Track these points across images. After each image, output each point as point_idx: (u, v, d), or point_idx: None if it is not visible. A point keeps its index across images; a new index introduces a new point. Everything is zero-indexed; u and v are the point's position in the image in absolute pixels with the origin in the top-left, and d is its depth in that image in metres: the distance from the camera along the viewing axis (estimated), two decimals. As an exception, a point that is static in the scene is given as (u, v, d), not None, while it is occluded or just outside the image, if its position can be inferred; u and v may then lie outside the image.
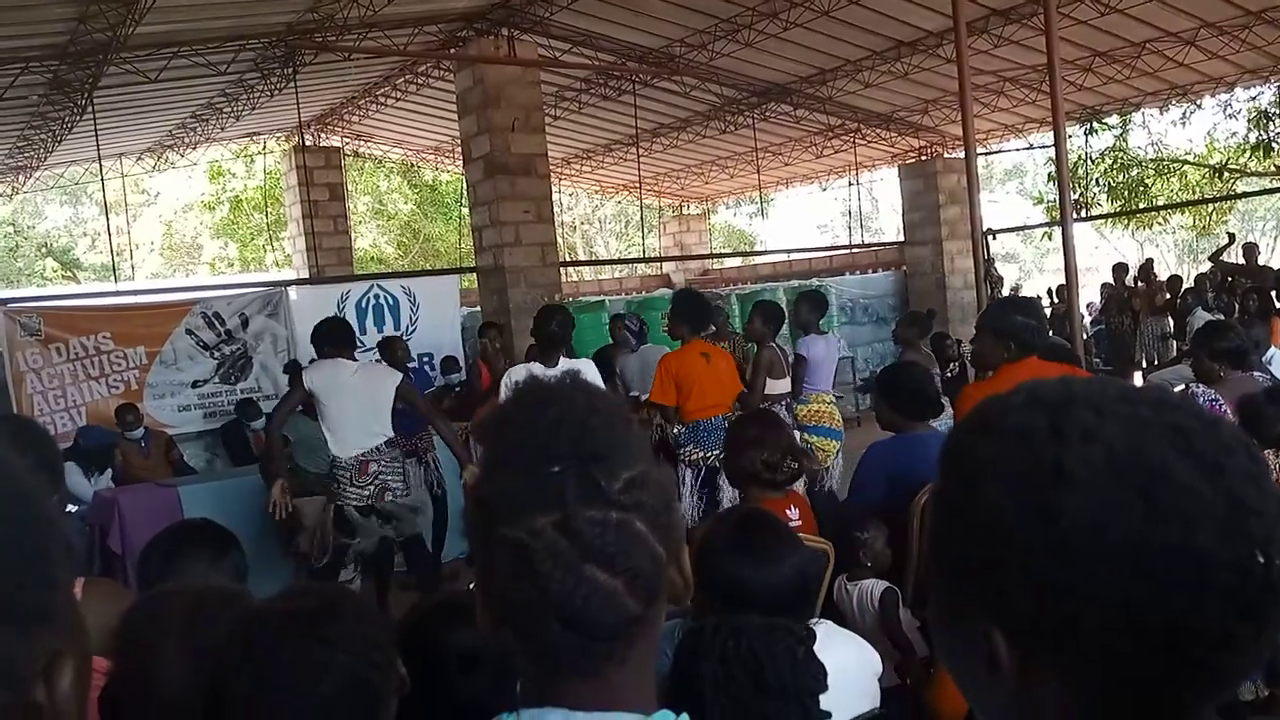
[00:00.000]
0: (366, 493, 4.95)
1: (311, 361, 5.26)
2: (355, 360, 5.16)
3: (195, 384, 8.69)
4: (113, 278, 11.97)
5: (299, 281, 11.16)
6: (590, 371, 5.08)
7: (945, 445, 0.74)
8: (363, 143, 16.22)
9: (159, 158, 14.82)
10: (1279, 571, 0.62)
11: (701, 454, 5.30)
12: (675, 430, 5.42)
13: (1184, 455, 0.63)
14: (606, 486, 0.83)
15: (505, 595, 0.84)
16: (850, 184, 17.00)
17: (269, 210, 17.85)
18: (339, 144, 15.30)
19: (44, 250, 25.97)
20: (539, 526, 0.82)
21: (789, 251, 18.78)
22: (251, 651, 1.24)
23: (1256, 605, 0.61)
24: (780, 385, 6.02)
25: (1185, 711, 0.65)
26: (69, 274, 25.37)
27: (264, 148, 15.86)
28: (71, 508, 6.35)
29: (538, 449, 0.85)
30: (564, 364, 5.08)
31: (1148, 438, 0.64)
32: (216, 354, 8.80)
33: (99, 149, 10.43)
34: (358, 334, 9.09)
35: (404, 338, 9.07)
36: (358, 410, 4.92)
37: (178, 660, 1.29)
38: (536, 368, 5.11)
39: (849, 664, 2.03)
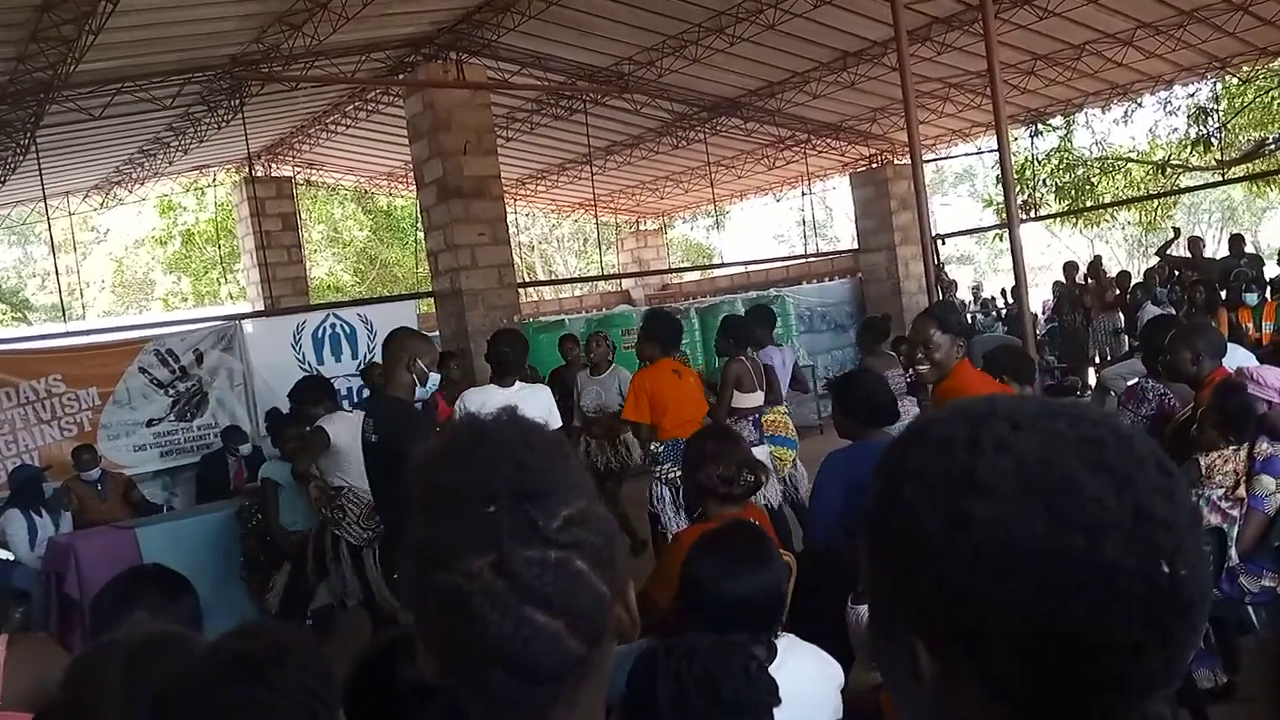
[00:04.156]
0: (365, 535, 4.89)
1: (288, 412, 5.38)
2: (347, 410, 5.46)
3: (150, 423, 8.54)
4: (63, 318, 11.75)
5: (253, 314, 11.02)
6: (544, 397, 5.09)
7: (879, 456, 0.75)
8: (315, 171, 16.11)
9: (107, 194, 14.61)
10: (1185, 582, 0.63)
11: (679, 472, 5.21)
12: (653, 448, 5.42)
13: (1094, 468, 0.64)
14: (544, 525, 0.80)
15: (444, 640, 0.82)
16: (803, 194, 17.14)
17: (221, 243, 17.66)
18: (290, 173, 15.16)
19: (-8, 293, 25.48)
20: (475, 569, 0.79)
21: (746, 264, 18.86)
22: (194, 693, 1.22)
23: (1163, 614, 0.63)
24: (750, 399, 5.93)
25: None
26: (19, 316, 24.88)
27: (214, 180, 15.69)
28: (4, 554, 6.23)
29: (472, 488, 0.82)
30: (518, 387, 5.09)
31: (1059, 450, 0.65)
32: (171, 391, 8.66)
33: (44, 188, 10.27)
34: (315, 364, 9.11)
35: (361, 367, 9.03)
36: None
37: (116, 709, 1.27)
38: (493, 390, 5.10)
39: (811, 676, 2.04)
